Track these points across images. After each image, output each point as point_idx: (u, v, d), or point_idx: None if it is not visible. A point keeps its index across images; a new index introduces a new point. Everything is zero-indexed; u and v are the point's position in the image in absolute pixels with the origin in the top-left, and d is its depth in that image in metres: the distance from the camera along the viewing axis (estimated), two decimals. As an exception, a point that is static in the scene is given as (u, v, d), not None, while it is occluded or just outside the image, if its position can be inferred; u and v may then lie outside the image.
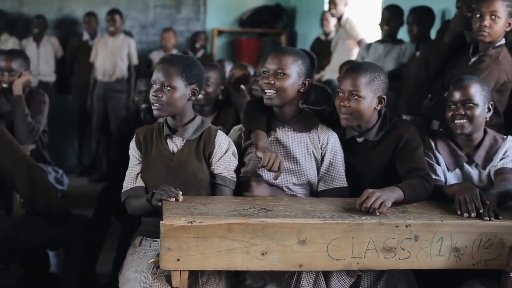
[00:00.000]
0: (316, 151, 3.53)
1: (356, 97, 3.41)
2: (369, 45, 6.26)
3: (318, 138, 3.53)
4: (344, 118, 3.45)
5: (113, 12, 8.48)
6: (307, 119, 3.57)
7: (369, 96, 3.42)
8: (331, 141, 3.53)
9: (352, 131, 3.56)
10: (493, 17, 3.96)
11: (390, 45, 6.12)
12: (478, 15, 4.01)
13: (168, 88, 3.30)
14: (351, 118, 3.45)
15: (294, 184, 3.49)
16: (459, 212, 3.09)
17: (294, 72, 3.44)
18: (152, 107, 3.34)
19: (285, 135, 3.53)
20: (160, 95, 3.30)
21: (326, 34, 8.19)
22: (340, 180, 3.51)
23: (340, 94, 3.46)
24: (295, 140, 3.52)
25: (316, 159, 3.52)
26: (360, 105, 3.42)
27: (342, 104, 3.43)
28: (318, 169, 3.53)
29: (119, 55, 8.41)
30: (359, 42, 7.21)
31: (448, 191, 3.34)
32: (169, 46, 8.86)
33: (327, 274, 3.10)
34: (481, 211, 3.06)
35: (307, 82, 3.50)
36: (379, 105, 3.49)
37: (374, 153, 3.53)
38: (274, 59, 3.47)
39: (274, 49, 9.51)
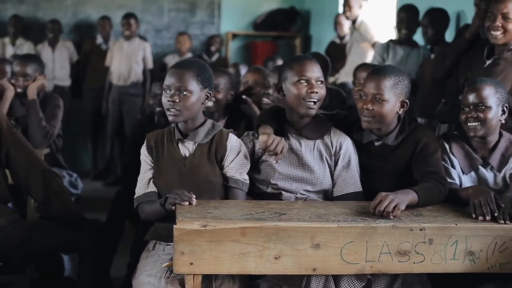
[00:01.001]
0: (329, 157, 3.52)
1: (379, 100, 3.41)
2: (387, 46, 6.21)
3: (331, 144, 3.53)
4: (366, 121, 3.45)
5: (128, 16, 8.51)
6: (320, 125, 3.56)
7: (392, 100, 3.43)
8: (344, 146, 3.52)
9: (370, 135, 3.55)
10: (505, 18, 3.94)
11: (409, 48, 6.09)
12: (490, 16, 4.00)
13: (185, 93, 3.29)
14: (373, 121, 3.45)
15: (308, 191, 3.49)
16: (474, 216, 3.07)
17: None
18: (168, 113, 3.32)
19: (298, 143, 3.52)
20: (177, 100, 3.28)
21: (341, 37, 8.17)
22: (355, 184, 3.49)
23: (364, 97, 3.46)
24: (308, 148, 3.52)
25: (329, 165, 3.52)
26: (383, 109, 3.42)
27: (365, 107, 3.43)
28: (332, 174, 3.52)
29: (135, 59, 8.44)
30: (374, 45, 7.18)
31: (462, 194, 3.31)
32: (184, 50, 8.87)
33: (336, 278, 3.09)
34: (496, 214, 3.04)
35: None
36: (401, 109, 3.49)
37: (391, 157, 3.52)
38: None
39: (288, 52, 9.60)
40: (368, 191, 3.47)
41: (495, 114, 3.44)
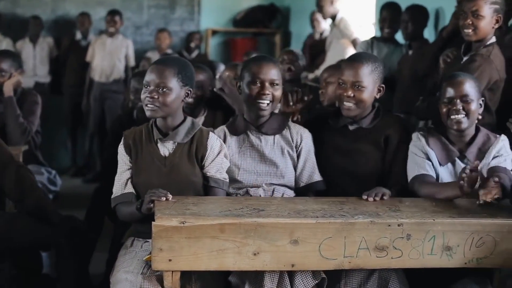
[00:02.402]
0: (291, 150, 3.62)
1: (359, 87, 3.53)
2: (371, 42, 6.21)
3: (291, 137, 3.63)
4: (347, 108, 3.58)
5: (114, 13, 8.49)
6: (278, 121, 3.64)
7: (371, 85, 3.56)
8: (304, 139, 3.64)
9: (345, 119, 3.66)
10: (475, 15, 4.00)
11: (393, 46, 6.10)
12: (462, 14, 4.08)
13: (164, 89, 3.28)
14: (354, 107, 3.57)
15: (272, 184, 3.56)
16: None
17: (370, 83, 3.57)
18: (145, 108, 3.31)
19: (258, 139, 3.61)
20: (156, 96, 3.27)
21: (320, 33, 8.19)
22: (317, 174, 3.62)
23: (343, 85, 3.56)
24: (268, 143, 3.61)
25: (292, 158, 3.61)
26: (362, 95, 3.55)
27: (345, 94, 3.54)
28: (295, 167, 3.61)
29: (117, 56, 8.44)
30: (353, 42, 7.19)
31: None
32: (164, 47, 8.84)
33: (291, 274, 3.08)
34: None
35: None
36: (378, 94, 3.61)
37: (366, 140, 3.64)
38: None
39: (268, 48, 9.61)
40: (342, 171, 3.61)
41: (477, 107, 3.49)
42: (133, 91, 5.10)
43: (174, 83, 3.30)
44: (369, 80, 3.54)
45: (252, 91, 3.53)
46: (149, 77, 3.31)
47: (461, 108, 3.45)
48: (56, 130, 8.67)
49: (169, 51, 8.82)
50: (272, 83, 3.53)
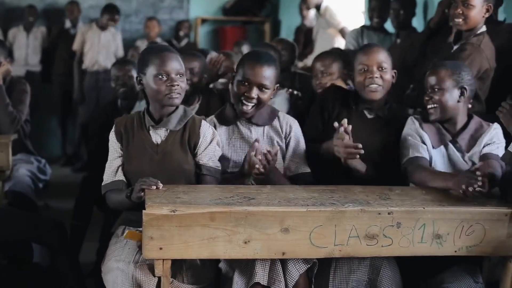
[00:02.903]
0: (280, 140, 3.60)
1: (384, 70, 3.65)
2: (361, 31, 6.22)
3: (281, 127, 3.61)
4: (374, 90, 3.66)
5: (112, 11, 8.48)
6: (267, 111, 3.62)
7: (390, 69, 3.70)
8: (293, 129, 3.62)
9: (364, 106, 3.73)
10: (465, 5, 4.03)
11: (383, 35, 6.12)
12: (452, 4, 4.11)
13: (183, 76, 3.31)
14: (382, 90, 3.68)
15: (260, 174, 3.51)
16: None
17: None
18: (174, 96, 3.26)
19: (248, 130, 3.59)
20: (181, 84, 3.28)
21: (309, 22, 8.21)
22: (305, 165, 3.60)
23: (366, 70, 3.64)
24: (258, 134, 3.58)
25: (281, 148, 3.58)
26: (386, 76, 3.67)
27: (374, 76, 3.63)
28: (284, 156, 3.59)
29: (111, 49, 8.42)
30: (341, 31, 7.20)
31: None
32: (153, 35, 8.81)
33: (283, 260, 3.10)
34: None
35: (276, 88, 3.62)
36: (394, 79, 3.75)
37: (383, 128, 3.71)
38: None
39: (257, 37, 9.61)
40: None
41: (450, 96, 3.50)
42: (114, 79, 5.09)
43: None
44: (389, 64, 3.67)
45: (239, 91, 3.50)
46: (170, 66, 3.28)
47: (432, 97, 3.53)
48: (46, 119, 8.65)
49: (158, 39, 8.79)
50: (260, 87, 3.48)
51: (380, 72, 3.63)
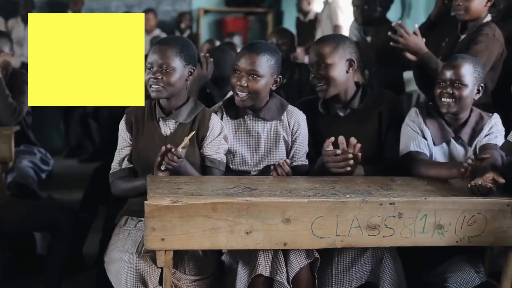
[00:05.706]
0: (287, 135, 3.55)
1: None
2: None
3: (289, 123, 3.55)
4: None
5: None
6: (276, 104, 3.55)
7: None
8: (301, 126, 3.55)
9: (335, 107, 3.64)
10: None
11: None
12: None
13: (168, 69, 3.27)
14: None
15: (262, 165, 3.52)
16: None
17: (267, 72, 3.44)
18: (150, 89, 3.29)
19: (256, 124, 3.54)
20: (160, 77, 3.26)
21: (305, 14, 8.21)
22: (304, 157, 3.56)
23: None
24: (265, 129, 3.53)
25: (286, 142, 3.55)
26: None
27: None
28: (287, 149, 3.55)
29: None
30: (335, 27, 7.22)
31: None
32: (148, 28, 8.76)
33: (286, 252, 3.11)
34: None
35: (278, 80, 3.53)
36: (350, 68, 3.57)
37: (359, 123, 3.62)
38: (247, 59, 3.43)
39: (260, 28, 9.58)
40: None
41: (471, 92, 3.45)
42: None
43: (177, 62, 3.29)
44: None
45: (232, 80, 3.45)
46: (152, 58, 3.29)
47: (451, 92, 3.43)
48: (49, 111, 8.64)
49: (156, 31, 8.77)
50: (250, 74, 3.40)
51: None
